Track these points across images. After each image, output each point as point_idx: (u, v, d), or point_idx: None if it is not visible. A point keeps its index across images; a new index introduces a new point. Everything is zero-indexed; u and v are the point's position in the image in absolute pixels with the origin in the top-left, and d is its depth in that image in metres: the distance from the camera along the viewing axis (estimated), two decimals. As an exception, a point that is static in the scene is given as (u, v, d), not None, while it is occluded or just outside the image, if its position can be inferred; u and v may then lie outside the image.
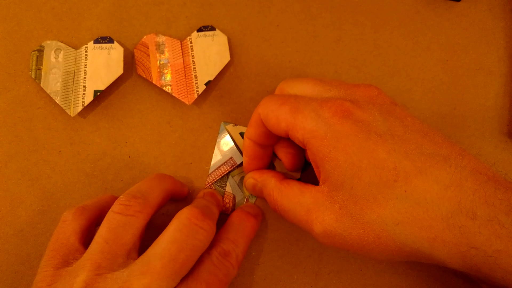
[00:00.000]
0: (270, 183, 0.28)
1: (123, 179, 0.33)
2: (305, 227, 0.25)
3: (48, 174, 0.33)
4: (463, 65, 0.36)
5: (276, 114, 0.26)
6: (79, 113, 0.33)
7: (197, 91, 0.33)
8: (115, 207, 0.25)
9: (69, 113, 0.32)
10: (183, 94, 0.33)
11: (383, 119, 0.24)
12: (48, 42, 0.34)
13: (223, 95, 0.35)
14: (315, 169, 0.26)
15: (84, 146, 0.33)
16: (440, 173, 0.21)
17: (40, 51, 0.34)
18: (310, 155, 0.25)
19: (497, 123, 0.35)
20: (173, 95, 0.33)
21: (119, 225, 0.24)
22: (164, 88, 0.33)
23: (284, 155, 0.30)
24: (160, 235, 0.24)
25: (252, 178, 0.30)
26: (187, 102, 0.33)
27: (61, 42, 0.35)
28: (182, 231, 0.24)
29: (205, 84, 0.34)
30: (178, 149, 0.33)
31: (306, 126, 0.24)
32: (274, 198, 0.27)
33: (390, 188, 0.22)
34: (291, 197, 0.26)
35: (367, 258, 0.26)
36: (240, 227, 0.28)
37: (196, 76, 0.34)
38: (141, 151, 0.33)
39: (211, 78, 0.34)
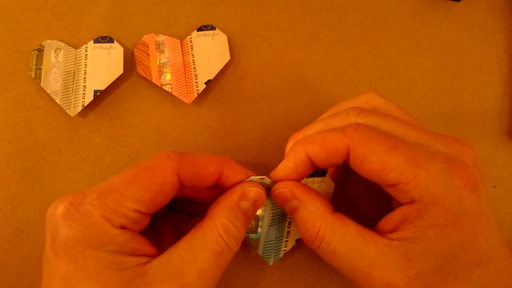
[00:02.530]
0: (315, 209, 0.24)
1: (123, 179, 0.33)
2: (361, 280, 0.22)
3: (48, 173, 0.33)
4: (463, 65, 0.36)
5: (382, 160, 0.22)
6: (79, 113, 0.33)
7: (197, 90, 0.33)
8: None
9: (69, 112, 0.32)
10: (183, 93, 0.33)
11: (486, 193, 0.24)
12: (48, 41, 0.34)
13: (223, 95, 0.35)
14: (392, 221, 0.23)
15: (84, 145, 0.33)
16: (507, 264, 0.23)
17: (40, 50, 0.34)
18: (412, 213, 0.22)
19: (497, 123, 0.35)
20: (173, 94, 0.33)
21: None
22: (164, 87, 0.33)
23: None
24: None
25: (288, 191, 0.25)
26: (187, 101, 0.33)
27: (61, 41, 0.35)
28: None
29: (205, 83, 0.34)
30: (178, 148, 0.33)
31: (432, 190, 0.21)
32: (320, 232, 0.23)
33: (472, 271, 0.22)
34: (348, 240, 0.23)
35: None
36: None
37: (196, 75, 0.34)
38: (141, 150, 0.33)
39: (211, 77, 0.34)
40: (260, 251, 0.29)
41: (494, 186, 0.34)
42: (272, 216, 0.28)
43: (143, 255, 0.22)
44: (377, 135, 0.23)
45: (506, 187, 0.34)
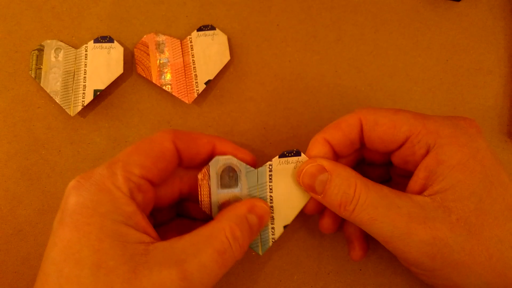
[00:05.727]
0: (347, 173, 0.24)
1: (123, 179, 0.33)
2: (402, 234, 0.22)
3: (47, 173, 0.32)
4: (463, 65, 0.36)
5: (392, 119, 0.24)
6: (79, 113, 0.33)
7: (197, 90, 0.33)
8: None
9: (69, 112, 0.32)
10: (183, 93, 0.33)
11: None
12: (48, 41, 0.34)
13: (223, 95, 0.35)
14: (418, 180, 0.24)
15: (84, 145, 0.33)
16: None
17: (40, 50, 0.34)
18: (431, 161, 0.23)
19: (497, 123, 0.35)
20: (173, 94, 0.33)
21: None
22: (164, 87, 0.33)
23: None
24: None
25: (317, 165, 0.25)
26: (187, 101, 0.33)
27: (61, 41, 0.35)
28: None
29: (205, 83, 0.34)
30: (178, 148, 0.33)
31: (443, 131, 0.23)
32: (357, 190, 0.23)
33: (510, 211, 0.22)
34: (383, 196, 0.23)
35: (460, 282, 0.23)
36: None
37: (196, 75, 0.34)
38: (141, 150, 0.33)
39: (211, 77, 0.34)
40: None
41: (494, 186, 0.34)
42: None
43: (146, 234, 0.22)
44: (381, 107, 0.26)
45: (506, 187, 0.34)
